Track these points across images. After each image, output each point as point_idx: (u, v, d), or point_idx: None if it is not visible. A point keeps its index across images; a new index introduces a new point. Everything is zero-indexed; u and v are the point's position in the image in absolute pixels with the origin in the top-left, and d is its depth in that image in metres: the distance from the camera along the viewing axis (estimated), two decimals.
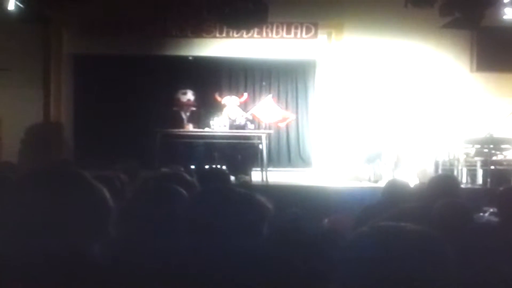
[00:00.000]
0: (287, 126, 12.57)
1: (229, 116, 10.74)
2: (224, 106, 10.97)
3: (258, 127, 11.21)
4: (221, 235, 2.38)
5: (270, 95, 11.72)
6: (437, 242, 1.77)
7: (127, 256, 2.41)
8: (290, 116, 11.62)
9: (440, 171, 10.51)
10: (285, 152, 12.87)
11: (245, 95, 11.51)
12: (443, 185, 5.09)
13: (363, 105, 11.50)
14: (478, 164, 10.29)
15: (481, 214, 7.53)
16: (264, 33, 11.72)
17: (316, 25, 11.78)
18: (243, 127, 10.70)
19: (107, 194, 1.99)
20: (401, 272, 1.66)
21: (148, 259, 2.37)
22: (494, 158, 10.18)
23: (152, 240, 2.69)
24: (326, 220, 5.47)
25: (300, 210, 4.93)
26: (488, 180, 9.91)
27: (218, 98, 11.24)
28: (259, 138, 10.59)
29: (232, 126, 10.62)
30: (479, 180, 10.30)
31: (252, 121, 11.05)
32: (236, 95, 11.49)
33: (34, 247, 1.84)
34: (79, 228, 1.89)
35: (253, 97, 12.70)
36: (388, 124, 11.09)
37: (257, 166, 10.80)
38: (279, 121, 11.36)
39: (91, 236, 1.93)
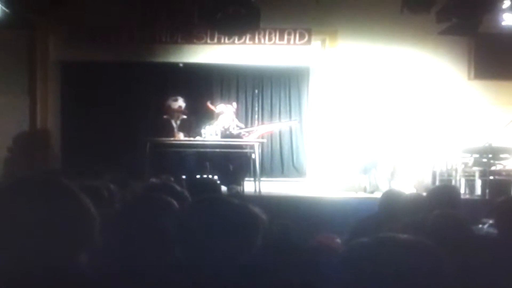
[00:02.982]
0: (280, 135, 12.41)
1: (223, 125, 10.51)
2: (220, 113, 10.72)
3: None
4: (213, 248, 2.35)
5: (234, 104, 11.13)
6: (434, 253, 1.82)
7: (116, 267, 2.39)
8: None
9: (437, 182, 10.37)
10: (278, 161, 12.65)
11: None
12: (445, 196, 5.09)
13: (358, 113, 11.32)
14: (477, 174, 10.14)
15: (480, 225, 7.36)
16: (256, 39, 11.54)
17: (309, 31, 11.60)
18: (236, 136, 10.46)
19: (90, 204, 1.97)
20: (399, 282, 1.71)
21: (138, 271, 2.36)
22: (493, 168, 9.99)
23: (141, 252, 2.67)
24: (314, 239, 5.27)
25: (290, 221, 4.79)
26: (487, 190, 9.74)
27: (211, 107, 11.00)
28: (252, 147, 10.36)
29: (224, 135, 10.38)
30: (478, 191, 10.13)
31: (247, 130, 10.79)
32: (227, 103, 11.24)
33: (18, 258, 1.83)
34: (63, 238, 1.88)
35: (245, 105, 12.54)
36: (384, 133, 10.91)
37: (250, 176, 10.56)
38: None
39: (75, 247, 1.91)
